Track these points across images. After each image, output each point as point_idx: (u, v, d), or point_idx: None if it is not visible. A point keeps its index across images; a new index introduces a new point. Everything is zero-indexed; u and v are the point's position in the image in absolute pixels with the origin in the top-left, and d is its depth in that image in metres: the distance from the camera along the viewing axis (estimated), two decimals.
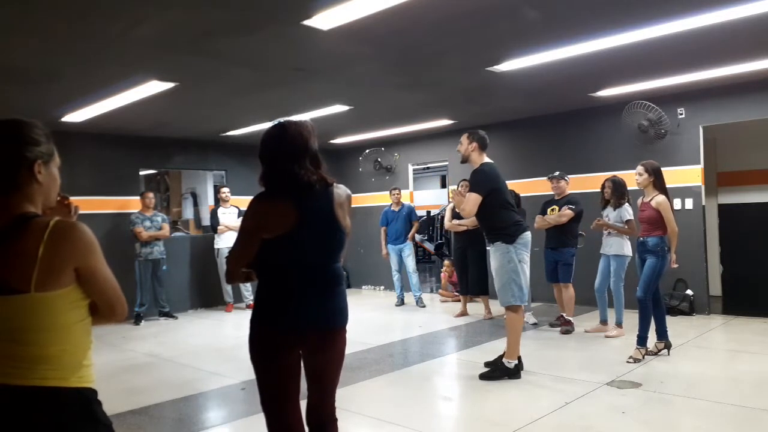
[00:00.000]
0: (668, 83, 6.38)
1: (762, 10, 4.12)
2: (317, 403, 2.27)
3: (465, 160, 4.58)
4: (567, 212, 6.14)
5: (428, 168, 14.61)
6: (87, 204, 7.38)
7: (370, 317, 7.60)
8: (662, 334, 5.02)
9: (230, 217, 8.39)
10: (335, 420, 2.32)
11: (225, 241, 8.22)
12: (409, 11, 3.85)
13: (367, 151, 9.76)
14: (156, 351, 6.03)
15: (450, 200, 7.66)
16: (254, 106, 6.74)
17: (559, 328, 6.20)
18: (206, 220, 9.76)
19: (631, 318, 5.54)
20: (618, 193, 5.79)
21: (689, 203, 6.91)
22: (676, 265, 5.03)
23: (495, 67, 5.40)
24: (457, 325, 6.89)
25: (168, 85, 5.51)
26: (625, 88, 6.57)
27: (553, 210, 6.31)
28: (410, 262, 8.25)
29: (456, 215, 7.14)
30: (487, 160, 4.54)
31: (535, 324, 6.60)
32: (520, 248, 4.44)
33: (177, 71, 5.18)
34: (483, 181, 4.42)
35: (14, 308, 1.40)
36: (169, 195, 11.71)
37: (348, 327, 2.28)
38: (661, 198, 4.88)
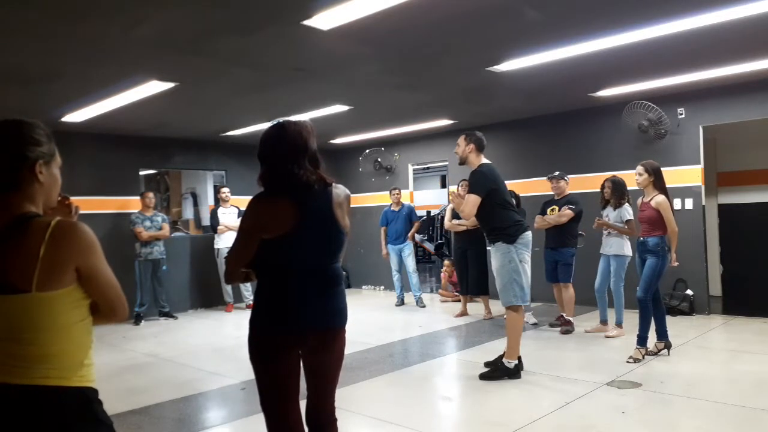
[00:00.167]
0: (668, 83, 6.38)
1: (762, 10, 4.12)
2: (317, 403, 2.27)
3: (463, 161, 4.59)
4: (567, 212, 6.14)
5: (428, 168, 14.62)
6: (87, 204, 7.39)
7: (370, 317, 7.60)
8: (662, 334, 5.03)
9: (230, 217, 8.39)
10: (335, 420, 2.32)
11: (225, 241, 8.22)
12: (409, 11, 3.85)
13: (367, 151, 9.77)
14: (156, 351, 6.03)
15: (450, 200, 7.66)
16: (254, 106, 6.74)
17: (559, 328, 6.20)
18: (206, 220, 9.76)
19: (631, 318, 5.54)
20: (618, 193, 5.79)
21: (689, 203, 6.91)
22: (676, 264, 5.03)
23: (495, 67, 5.40)
24: (457, 325, 6.89)
25: (168, 85, 5.51)
26: (625, 88, 6.58)
27: (552, 210, 6.31)
28: (410, 262, 8.25)
29: (456, 215, 7.14)
30: (485, 161, 4.54)
31: (535, 324, 6.61)
32: (520, 248, 4.44)
33: (177, 71, 5.18)
34: (481, 182, 4.42)
35: (16, 308, 1.41)
36: (169, 195, 11.70)
37: (348, 327, 2.28)
38: (661, 198, 4.88)
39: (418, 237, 13.01)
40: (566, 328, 6.13)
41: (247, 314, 2.25)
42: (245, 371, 4.19)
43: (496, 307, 6.16)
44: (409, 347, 5.98)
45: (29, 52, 4.49)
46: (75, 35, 4.15)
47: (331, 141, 9.67)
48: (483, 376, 4.55)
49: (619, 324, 5.87)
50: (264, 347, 2.18)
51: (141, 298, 7.67)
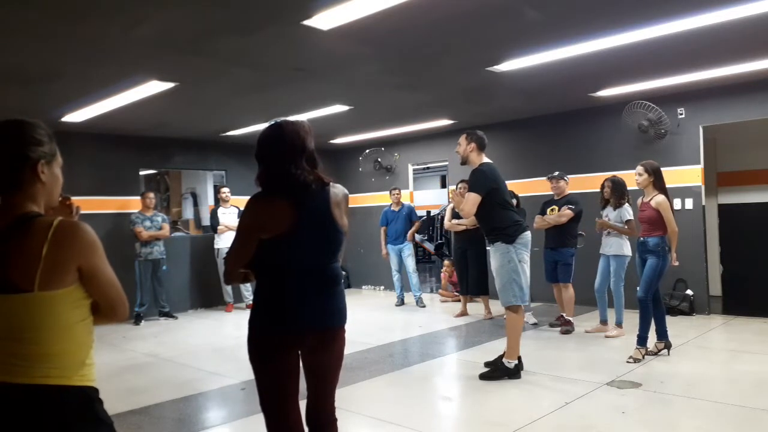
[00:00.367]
0: (668, 83, 6.38)
1: (762, 10, 4.12)
2: (317, 403, 2.27)
3: (464, 161, 4.59)
4: (566, 212, 6.14)
5: (428, 168, 14.61)
6: (87, 204, 7.38)
7: (370, 317, 7.60)
8: (662, 334, 5.03)
9: (230, 217, 8.39)
10: (335, 420, 2.32)
11: (225, 241, 8.22)
12: (409, 11, 3.85)
13: (367, 151, 9.77)
14: (156, 351, 6.03)
15: (450, 200, 7.66)
16: (254, 106, 6.74)
17: (559, 328, 6.20)
18: (206, 220, 9.76)
19: (631, 318, 5.54)
20: (618, 193, 5.79)
21: (689, 203, 6.91)
22: (677, 263, 5.04)
23: (495, 67, 5.40)
24: (457, 325, 6.89)
25: (168, 85, 5.51)
26: (625, 88, 6.58)
27: (552, 210, 6.31)
28: (410, 262, 8.25)
29: (456, 215, 7.14)
30: (486, 160, 4.54)
31: (535, 324, 6.61)
32: (520, 248, 4.44)
33: (177, 71, 5.18)
34: (482, 181, 4.42)
35: (18, 307, 1.41)
36: (169, 195, 11.70)
37: (348, 327, 2.28)
38: (661, 198, 4.88)
39: (418, 237, 13.01)
40: (566, 328, 6.13)
41: (246, 314, 2.25)
42: (245, 371, 4.17)
43: (496, 307, 6.16)
44: (409, 347, 5.98)
45: (29, 52, 4.49)
46: (75, 35, 4.15)
47: (331, 141, 9.67)
48: (483, 376, 4.55)
49: (619, 324, 5.87)
50: (263, 347, 2.18)
51: (141, 298, 7.67)
